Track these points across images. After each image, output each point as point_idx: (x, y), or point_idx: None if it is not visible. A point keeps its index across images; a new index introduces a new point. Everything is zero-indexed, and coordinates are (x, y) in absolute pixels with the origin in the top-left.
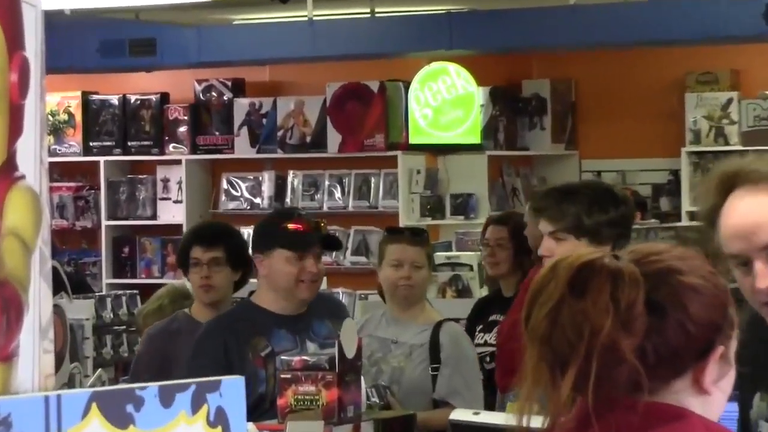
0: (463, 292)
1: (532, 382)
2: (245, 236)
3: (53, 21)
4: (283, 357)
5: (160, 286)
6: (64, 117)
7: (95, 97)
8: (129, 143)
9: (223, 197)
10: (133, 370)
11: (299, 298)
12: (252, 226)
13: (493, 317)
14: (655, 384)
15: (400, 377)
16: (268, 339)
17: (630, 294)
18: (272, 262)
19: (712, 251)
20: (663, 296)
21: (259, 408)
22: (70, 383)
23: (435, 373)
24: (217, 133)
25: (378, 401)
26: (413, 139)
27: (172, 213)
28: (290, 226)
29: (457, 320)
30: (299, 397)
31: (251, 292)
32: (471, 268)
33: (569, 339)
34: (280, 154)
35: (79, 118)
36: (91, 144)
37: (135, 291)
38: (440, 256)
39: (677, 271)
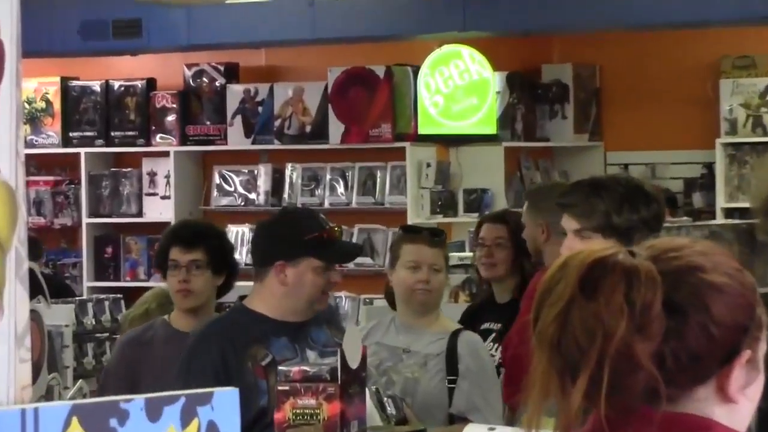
0: (477, 296)
1: (540, 390)
2: (239, 235)
3: (30, 0)
4: (280, 367)
5: (146, 289)
6: (41, 105)
7: (75, 83)
8: (112, 133)
9: (215, 192)
10: (101, 380)
11: (316, 309)
12: (247, 225)
13: (485, 325)
14: (674, 392)
15: (415, 389)
16: (267, 347)
17: (646, 294)
18: (300, 271)
19: (740, 248)
20: (683, 296)
21: (259, 423)
22: (48, 395)
23: (452, 385)
24: (208, 122)
25: (395, 413)
26: (423, 129)
27: (160, 210)
28: (323, 234)
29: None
30: (298, 410)
31: (242, 297)
32: None
33: (580, 343)
34: (277, 146)
35: (57, 106)
36: (70, 134)
37: (119, 295)
38: (452, 257)
39: (699, 269)
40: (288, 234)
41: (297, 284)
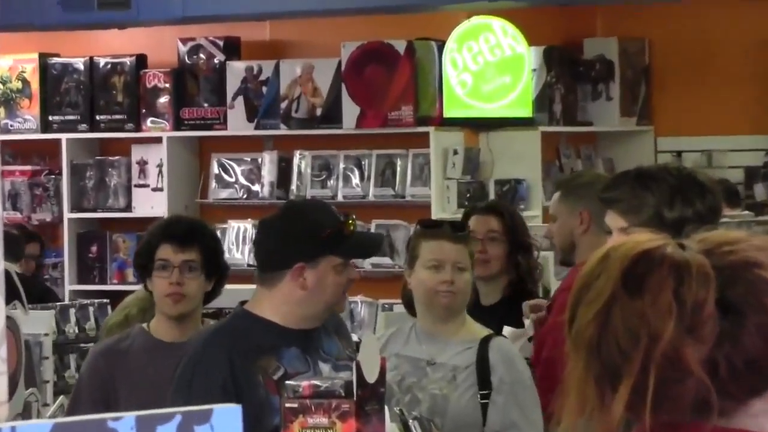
0: None
1: (576, 400)
2: (240, 232)
3: None
4: (288, 382)
5: None
6: (17, 85)
7: (56, 60)
8: (97, 117)
9: (213, 184)
10: (72, 396)
11: (333, 311)
12: (249, 220)
13: None
14: (727, 404)
15: (444, 407)
16: (278, 358)
17: (698, 291)
18: (320, 272)
19: None
20: (739, 294)
21: None
22: (26, 413)
23: (485, 401)
24: (205, 104)
25: None
26: (448, 112)
27: (151, 203)
28: (342, 228)
29: None
30: (308, 430)
31: (243, 302)
32: None
33: (622, 347)
34: (283, 131)
35: (35, 86)
36: (50, 118)
37: (105, 300)
38: None
39: (756, 264)
40: (303, 231)
41: (318, 287)
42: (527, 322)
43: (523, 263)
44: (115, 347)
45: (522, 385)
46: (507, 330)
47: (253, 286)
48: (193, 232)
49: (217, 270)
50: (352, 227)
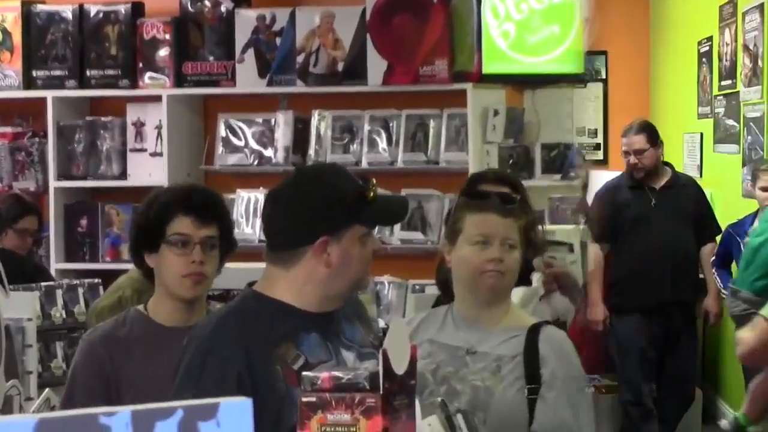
0: None
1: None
2: (251, 203)
3: None
4: (305, 373)
5: None
6: None
7: (41, 7)
8: (88, 73)
9: (220, 148)
10: (66, 390)
11: (362, 287)
12: (261, 189)
13: None
14: None
15: (488, 401)
16: (297, 346)
17: None
18: (345, 245)
19: None
20: None
21: None
22: (6, 408)
23: (533, 396)
24: (211, 58)
25: None
26: (488, 67)
27: (149, 170)
28: (367, 193)
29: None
30: (328, 428)
31: (251, 283)
32: (571, 247)
33: None
34: (300, 88)
35: (17, 37)
36: (34, 74)
37: (96, 280)
38: None
39: None
40: (323, 200)
41: (344, 262)
42: (535, 277)
43: (534, 239)
44: (114, 333)
45: (576, 383)
46: (517, 291)
47: (253, 265)
48: (214, 203)
49: (229, 247)
50: (373, 192)
